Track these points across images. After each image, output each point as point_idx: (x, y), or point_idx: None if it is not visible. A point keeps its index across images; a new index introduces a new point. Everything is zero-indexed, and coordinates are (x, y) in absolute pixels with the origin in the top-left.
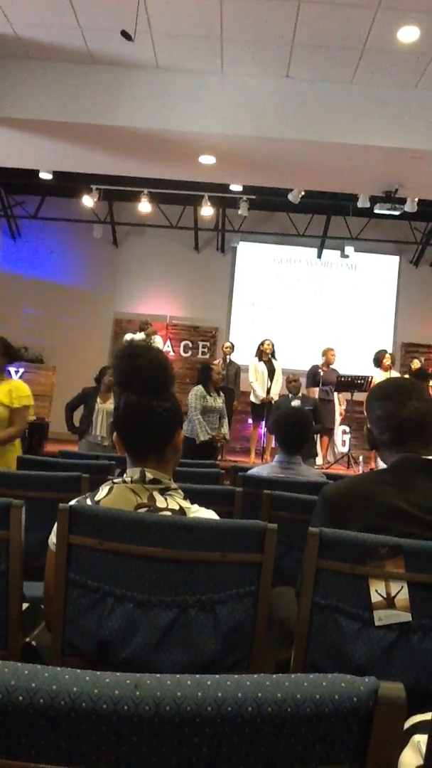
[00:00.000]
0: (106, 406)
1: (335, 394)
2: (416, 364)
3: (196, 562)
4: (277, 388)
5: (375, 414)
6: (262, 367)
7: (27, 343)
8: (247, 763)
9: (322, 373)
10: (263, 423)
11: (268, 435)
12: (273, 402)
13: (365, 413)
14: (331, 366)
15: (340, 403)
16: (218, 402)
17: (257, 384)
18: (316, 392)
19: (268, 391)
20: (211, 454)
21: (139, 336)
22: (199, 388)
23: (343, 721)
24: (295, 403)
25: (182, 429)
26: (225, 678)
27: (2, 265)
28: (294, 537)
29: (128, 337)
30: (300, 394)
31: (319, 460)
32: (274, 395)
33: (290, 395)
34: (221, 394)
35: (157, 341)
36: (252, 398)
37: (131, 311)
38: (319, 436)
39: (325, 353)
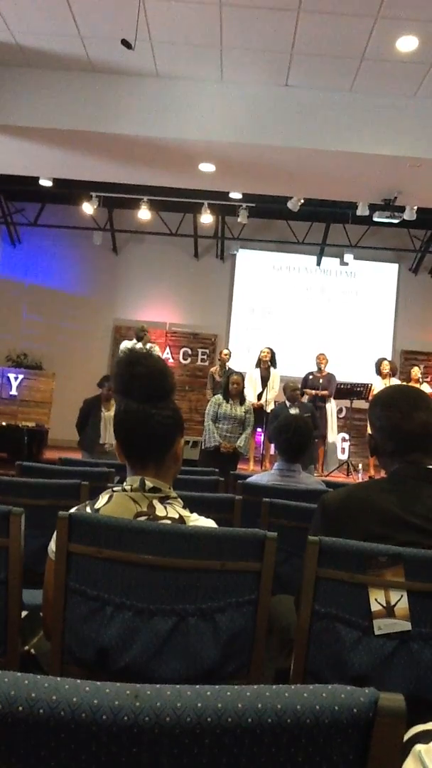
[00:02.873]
0: (110, 413)
1: (331, 399)
2: (416, 372)
3: (195, 570)
4: (272, 395)
5: (379, 422)
6: (256, 374)
7: (26, 349)
8: None
9: (311, 378)
10: (260, 430)
11: (267, 442)
12: (266, 409)
13: (369, 419)
14: (324, 371)
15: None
16: (237, 410)
17: (248, 390)
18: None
19: (260, 397)
20: (223, 463)
21: (132, 344)
22: (217, 396)
23: (343, 732)
24: (293, 411)
25: (183, 437)
26: (225, 688)
27: (2, 271)
28: (293, 545)
29: (124, 345)
30: (296, 402)
31: None
32: (268, 402)
33: (287, 403)
34: (245, 404)
35: (155, 350)
36: None
37: (131, 318)
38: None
39: (316, 359)
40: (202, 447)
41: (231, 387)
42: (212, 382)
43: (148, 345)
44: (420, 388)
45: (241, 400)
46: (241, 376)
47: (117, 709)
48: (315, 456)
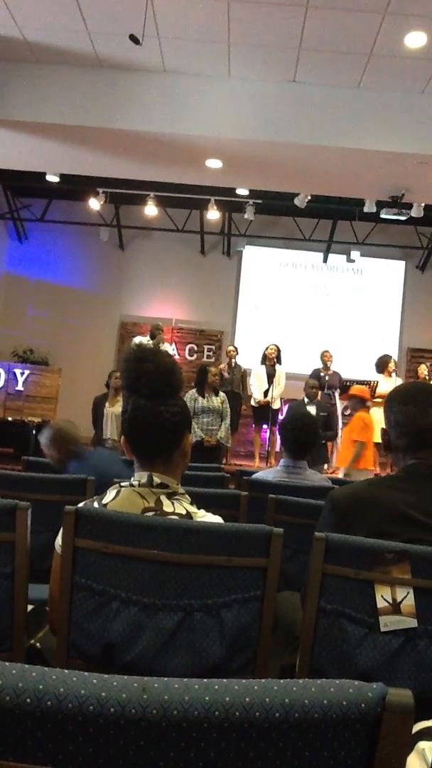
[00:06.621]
0: (114, 409)
1: (337, 398)
2: (422, 370)
3: (201, 566)
4: (278, 392)
5: (394, 417)
6: (262, 371)
7: (33, 345)
8: None
9: (321, 375)
10: (265, 427)
11: (273, 439)
12: (272, 406)
13: (384, 415)
14: (330, 368)
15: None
16: (214, 402)
17: (255, 387)
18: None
19: (266, 393)
20: (207, 458)
21: (142, 339)
22: (192, 391)
23: (351, 728)
24: (310, 408)
25: (191, 433)
26: (233, 682)
27: (9, 267)
28: (299, 541)
29: (137, 340)
30: (314, 400)
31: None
32: (274, 399)
33: (306, 400)
34: (219, 394)
35: (166, 348)
36: (252, 402)
37: (137, 314)
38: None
39: (321, 356)
40: None
41: (210, 378)
42: (220, 379)
43: (159, 344)
44: None
45: (216, 391)
46: (241, 371)
47: (125, 702)
48: (325, 456)
